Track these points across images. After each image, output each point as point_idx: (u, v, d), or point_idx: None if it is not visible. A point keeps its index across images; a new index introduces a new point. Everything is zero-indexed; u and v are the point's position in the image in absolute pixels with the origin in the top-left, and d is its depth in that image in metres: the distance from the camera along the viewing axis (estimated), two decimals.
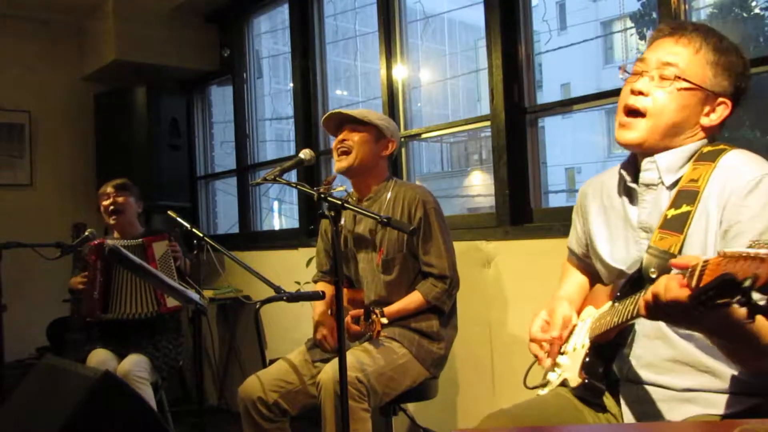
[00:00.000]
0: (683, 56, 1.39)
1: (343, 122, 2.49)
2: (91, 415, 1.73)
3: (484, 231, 2.98)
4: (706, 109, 1.40)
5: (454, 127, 3.46)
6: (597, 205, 1.60)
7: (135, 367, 2.93)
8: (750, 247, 0.95)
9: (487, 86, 2.97)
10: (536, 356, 1.49)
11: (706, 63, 1.38)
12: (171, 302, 3.08)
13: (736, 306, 0.94)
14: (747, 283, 0.91)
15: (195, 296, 2.54)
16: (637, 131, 1.41)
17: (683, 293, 1.03)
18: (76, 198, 4.63)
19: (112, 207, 3.25)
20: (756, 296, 0.93)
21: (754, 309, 0.95)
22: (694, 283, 1.00)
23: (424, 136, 3.55)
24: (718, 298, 0.95)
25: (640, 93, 1.40)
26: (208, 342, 4.44)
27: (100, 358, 3.02)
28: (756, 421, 1.10)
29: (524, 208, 2.92)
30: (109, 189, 3.29)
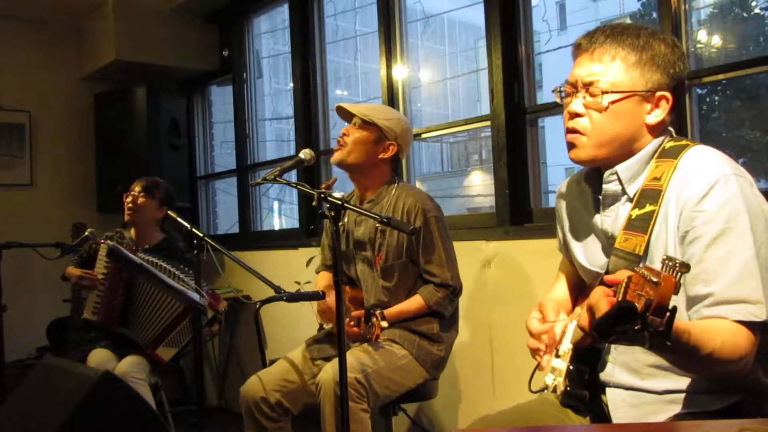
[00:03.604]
0: (602, 70, 1.38)
1: (353, 113, 2.47)
2: (91, 415, 1.73)
3: (484, 231, 2.98)
4: (648, 107, 1.39)
5: (454, 127, 3.46)
6: (570, 208, 1.61)
7: (133, 368, 2.93)
8: (663, 264, 0.96)
9: (487, 86, 2.97)
10: (536, 351, 1.49)
11: (627, 67, 1.37)
12: (162, 353, 3.02)
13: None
14: (641, 311, 0.92)
15: (195, 296, 2.54)
16: (584, 148, 1.41)
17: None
18: (76, 198, 4.63)
19: (130, 204, 3.23)
20: (658, 320, 0.94)
21: (652, 334, 0.95)
22: (620, 298, 1.00)
23: (424, 136, 3.55)
24: (617, 327, 0.95)
25: (576, 115, 1.41)
26: (208, 342, 4.44)
27: (99, 358, 3.02)
28: (756, 421, 1.10)
29: (524, 208, 2.92)
30: (137, 188, 3.25)
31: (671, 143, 1.41)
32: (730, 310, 1.24)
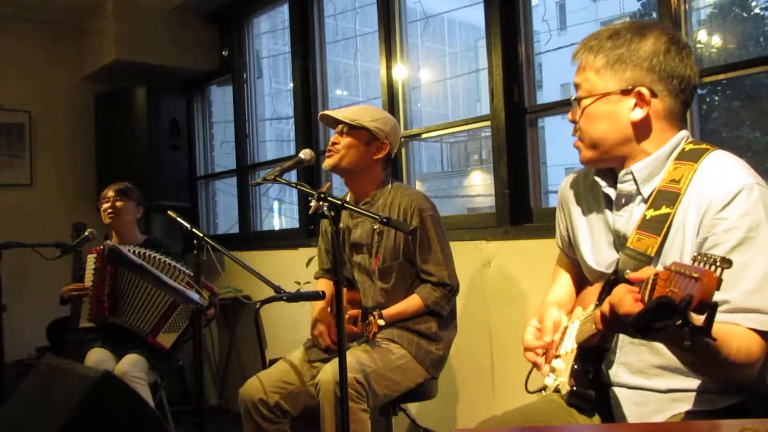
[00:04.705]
0: (581, 78, 1.45)
1: (339, 120, 2.47)
2: (91, 414, 1.73)
3: (484, 231, 2.98)
4: (631, 104, 1.39)
5: (454, 127, 3.46)
6: (578, 204, 1.60)
7: (132, 367, 2.94)
8: (694, 260, 0.95)
9: (487, 86, 2.97)
10: (534, 364, 1.49)
11: (596, 71, 1.42)
12: (163, 339, 3.06)
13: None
14: (681, 305, 0.90)
15: (195, 296, 2.54)
16: (581, 151, 1.48)
17: (636, 308, 1.03)
18: (76, 198, 4.63)
19: (110, 210, 3.29)
20: (696, 317, 0.93)
21: (692, 330, 0.94)
22: (646, 297, 0.99)
23: (424, 136, 3.55)
24: (656, 322, 0.94)
25: (573, 121, 1.48)
26: (208, 342, 4.44)
27: (97, 357, 3.03)
28: (757, 421, 1.10)
29: (524, 208, 2.92)
30: (110, 193, 3.33)
31: (691, 146, 1.40)
32: (744, 318, 1.24)
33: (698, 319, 0.96)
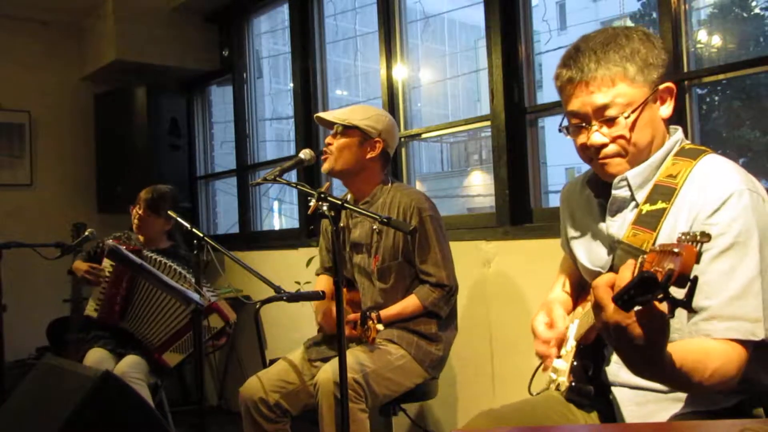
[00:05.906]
0: (611, 95, 1.34)
1: (332, 121, 2.46)
2: (91, 415, 1.73)
3: (484, 231, 2.98)
4: (658, 104, 1.40)
5: (454, 127, 3.46)
6: (574, 209, 1.61)
7: (131, 368, 2.94)
8: (679, 240, 0.97)
9: (487, 86, 2.97)
10: (544, 356, 1.49)
11: (631, 81, 1.34)
12: (168, 358, 3.05)
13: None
14: (662, 280, 0.92)
15: (195, 296, 2.54)
16: (620, 166, 1.40)
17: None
18: (76, 198, 4.63)
19: (136, 220, 3.29)
20: (677, 292, 0.95)
21: (673, 304, 0.96)
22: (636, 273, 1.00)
23: (424, 136, 3.55)
24: (639, 297, 0.96)
25: (603, 145, 1.39)
26: (210, 354, 4.43)
27: (96, 357, 3.03)
28: (757, 421, 1.10)
29: (524, 208, 2.92)
30: (142, 203, 3.29)
31: (690, 145, 1.42)
32: (724, 327, 1.23)
33: (679, 293, 0.97)
